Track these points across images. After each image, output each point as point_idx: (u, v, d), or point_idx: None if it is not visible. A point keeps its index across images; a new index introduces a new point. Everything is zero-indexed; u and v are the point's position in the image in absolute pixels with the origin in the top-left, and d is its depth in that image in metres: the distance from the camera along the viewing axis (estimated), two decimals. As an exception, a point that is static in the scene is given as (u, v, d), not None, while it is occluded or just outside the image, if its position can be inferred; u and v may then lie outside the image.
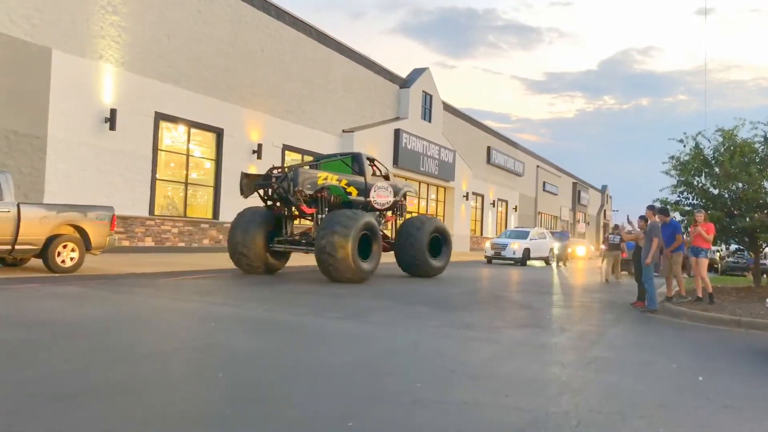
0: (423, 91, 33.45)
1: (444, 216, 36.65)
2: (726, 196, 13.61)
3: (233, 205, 20.85)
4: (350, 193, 14.21)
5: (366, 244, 12.95)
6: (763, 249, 14.85)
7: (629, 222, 12.50)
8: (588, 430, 3.89)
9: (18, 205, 10.24)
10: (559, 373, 5.50)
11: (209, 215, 20.63)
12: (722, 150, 13.40)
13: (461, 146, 38.17)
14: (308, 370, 5.05)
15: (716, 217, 12.80)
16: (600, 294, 14.12)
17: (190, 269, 13.44)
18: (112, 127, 16.77)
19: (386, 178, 15.88)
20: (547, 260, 28.71)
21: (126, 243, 17.38)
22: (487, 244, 27.38)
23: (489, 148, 43.60)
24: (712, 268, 25.95)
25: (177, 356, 5.30)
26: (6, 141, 14.57)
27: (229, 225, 20.75)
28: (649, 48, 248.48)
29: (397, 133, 30.25)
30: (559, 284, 17.01)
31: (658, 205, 12.23)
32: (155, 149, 18.41)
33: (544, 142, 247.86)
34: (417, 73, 33.37)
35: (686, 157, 13.91)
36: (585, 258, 37.25)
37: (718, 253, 28.45)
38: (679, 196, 14.15)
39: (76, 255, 10.96)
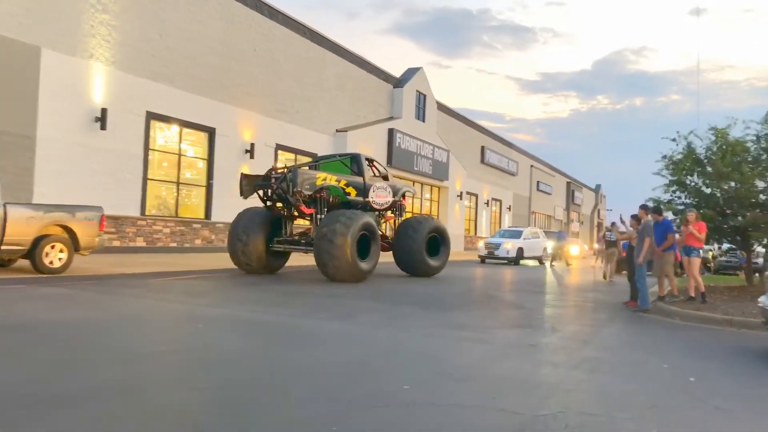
0: (417, 91, 33.39)
1: (438, 216, 36.58)
2: (718, 195, 13.60)
3: (226, 205, 20.80)
4: (349, 194, 14.32)
5: (365, 244, 13.04)
6: (755, 248, 14.85)
7: (622, 221, 12.47)
8: (577, 432, 3.83)
9: (4, 205, 10.11)
10: (550, 373, 5.45)
11: (201, 215, 20.50)
12: (715, 149, 13.38)
13: (455, 146, 38.13)
14: (294, 372, 4.97)
15: (709, 216, 12.79)
16: (593, 293, 14.10)
17: (181, 270, 13.33)
18: (103, 127, 16.63)
19: (385, 178, 16.01)
20: (540, 260, 28.71)
21: (117, 243, 17.25)
22: (481, 244, 27.37)
23: (483, 147, 43.59)
24: (706, 267, 25.98)
25: (160, 359, 5.21)
26: (-6, 140, 14.43)
27: (221, 225, 20.81)
28: (643, 48, 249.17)
29: (391, 132, 30.17)
30: (552, 283, 16.99)
31: (651, 204, 12.21)
32: (146, 149, 18.28)
33: (539, 142, 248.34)
34: (411, 72, 33.30)
35: (679, 157, 13.89)
36: (579, 257, 37.28)
37: (710, 252, 28.49)
38: (671, 196, 14.14)
39: (64, 256, 10.84)
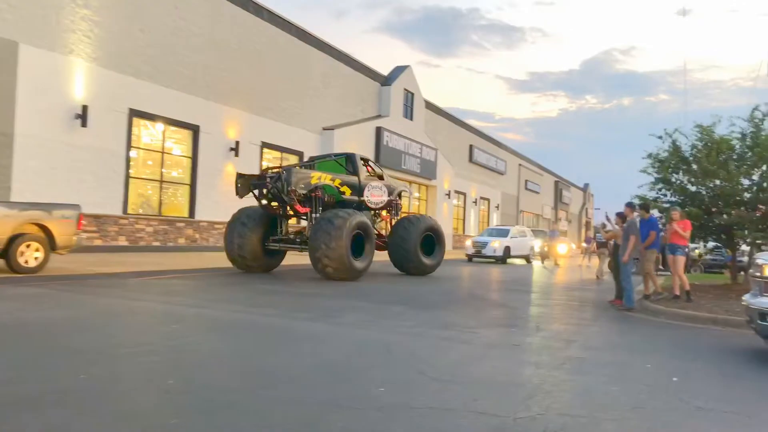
0: (404, 89, 33.25)
1: (426, 214, 36.45)
2: (704, 193, 13.58)
3: (210, 203, 20.59)
4: (344, 193, 14.49)
5: (359, 243, 13.13)
6: (740, 246, 14.86)
7: (608, 219, 12.41)
8: (556, 436, 3.71)
9: (-22, 204, 9.85)
10: (532, 374, 5.33)
11: (185, 214, 20.24)
12: (700, 146, 13.36)
13: (443, 144, 38.04)
14: (268, 375, 4.82)
15: (694, 214, 12.76)
16: (579, 292, 14.04)
17: (162, 269, 13.10)
18: (84, 124, 16.35)
19: (380, 178, 16.17)
20: (527, 258, 28.70)
21: (99, 242, 16.97)
22: (468, 242, 27.31)
23: (471, 146, 43.55)
24: (698, 265, 25.96)
25: (131, 360, 5.03)
26: (-29, 137, 14.12)
27: (205, 224, 20.58)
28: (631, 48, 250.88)
29: (379, 131, 30.02)
30: (538, 282, 16.93)
31: (636, 202, 12.15)
32: (129, 146, 17.99)
33: (528, 141, 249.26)
34: (398, 70, 33.15)
35: (664, 154, 13.87)
36: (567, 256, 37.35)
37: (697, 251, 28.48)
38: (657, 193, 14.11)
39: (40, 255, 10.59)
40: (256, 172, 20.45)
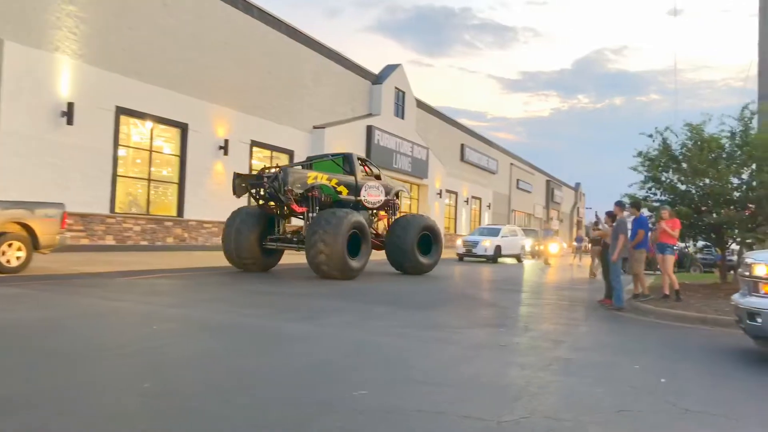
0: (395, 88, 33.14)
1: (422, 214, 36.37)
2: (693, 192, 13.55)
3: (199, 202, 20.41)
4: (341, 193, 14.63)
5: (356, 242, 13.26)
6: (730, 245, 14.86)
7: (597, 218, 12.38)
8: (540, 440, 3.62)
9: (-42, 202, 9.67)
10: (518, 376, 5.25)
11: (173, 213, 20.05)
12: (690, 145, 13.32)
13: (434, 144, 37.97)
14: (248, 377, 4.70)
15: (684, 213, 12.73)
16: (569, 291, 13.99)
17: (149, 269, 12.94)
18: (70, 122, 16.13)
19: (378, 177, 16.35)
20: (518, 257, 28.68)
21: (85, 241, 16.77)
22: (459, 242, 27.24)
23: (463, 145, 43.51)
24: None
25: (103, 363, 4.90)
26: (-47, 135, 13.90)
27: (194, 223, 20.41)
28: (623, 47, 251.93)
29: (369, 129, 29.89)
30: (529, 282, 16.88)
31: (626, 201, 12.10)
32: (116, 145, 17.79)
33: (520, 141, 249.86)
34: (389, 69, 33.03)
35: (654, 153, 13.83)
36: (558, 255, 37.37)
37: (688, 249, 28.46)
38: (647, 192, 14.08)
39: (22, 254, 10.41)
40: (246, 171, 20.39)
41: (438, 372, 5.23)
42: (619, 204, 11.09)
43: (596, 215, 12.69)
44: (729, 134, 13.20)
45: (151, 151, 19.40)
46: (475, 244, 25.99)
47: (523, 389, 4.76)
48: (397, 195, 16.65)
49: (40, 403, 3.78)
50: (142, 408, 3.83)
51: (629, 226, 10.89)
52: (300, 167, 14.83)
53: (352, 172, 15.28)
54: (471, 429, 3.74)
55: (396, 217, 16.39)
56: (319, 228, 12.41)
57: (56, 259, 12.72)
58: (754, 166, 12.96)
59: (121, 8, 17.74)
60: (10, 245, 10.25)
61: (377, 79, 31.80)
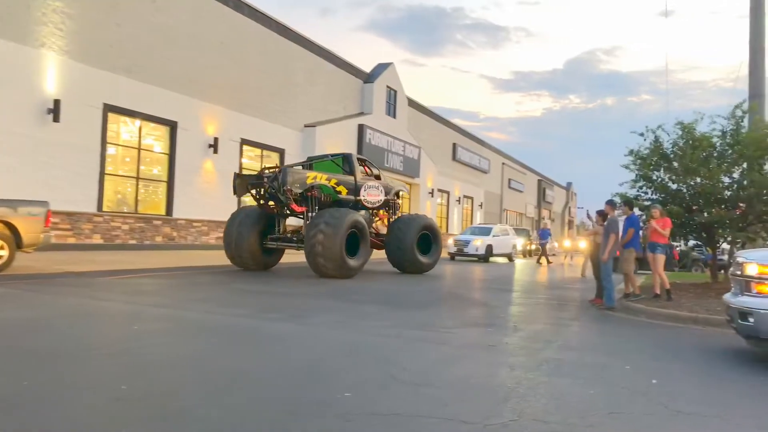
0: (387, 87, 33.00)
1: (409, 213, 36.27)
2: (684, 191, 13.51)
3: (188, 201, 20.22)
4: (340, 192, 14.70)
5: (354, 241, 13.34)
6: (721, 245, 14.84)
7: (588, 217, 12.31)
8: (528, 444, 3.51)
9: (-61, 200, 9.46)
10: (507, 377, 5.14)
11: (162, 211, 19.83)
12: (681, 144, 13.29)
13: (426, 143, 37.87)
14: (229, 379, 4.56)
15: (675, 212, 12.68)
16: (560, 291, 13.92)
17: (136, 268, 12.75)
18: (56, 119, 15.90)
19: (377, 178, 16.47)
20: (510, 257, 28.63)
21: (72, 240, 16.54)
22: (450, 241, 27.15)
23: (455, 145, 43.44)
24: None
25: (80, 364, 4.75)
26: (-64, 132, 13.64)
27: (183, 222, 20.21)
28: (614, 48, 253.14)
29: (361, 128, 29.75)
30: (520, 281, 16.81)
31: (617, 200, 12.04)
32: (104, 142, 17.55)
33: (512, 141, 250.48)
34: (381, 68, 32.89)
35: (646, 151, 13.79)
36: (550, 254, 37.34)
37: (678, 248, 28.50)
38: (638, 191, 14.03)
39: (5, 253, 10.20)
40: (236, 169, 20.22)
41: (425, 373, 5.11)
42: (610, 203, 11.02)
43: (588, 214, 12.62)
44: (720, 133, 13.17)
45: (139, 149, 19.18)
46: (467, 243, 25.93)
47: (512, 390, 4.65)
48: (397, 195, 16.78)
49: (14, 404, 3.63)
50: (116, 412, 3.69)
51: (621, 225, 10.82)
52: (300, 167, 14.91)
53: (351, 172, 15.39)
54: (457, 432, 3.63)
55: (396, 217, 16.48)
56: (317, 227, 12.49)
57: (40, 258, 12.51)
58: (745, 165, 12.94)
59: (109, 4, 17.52)
60: (-8, 244, 10.04)
61: (369, 78, 31.65)
